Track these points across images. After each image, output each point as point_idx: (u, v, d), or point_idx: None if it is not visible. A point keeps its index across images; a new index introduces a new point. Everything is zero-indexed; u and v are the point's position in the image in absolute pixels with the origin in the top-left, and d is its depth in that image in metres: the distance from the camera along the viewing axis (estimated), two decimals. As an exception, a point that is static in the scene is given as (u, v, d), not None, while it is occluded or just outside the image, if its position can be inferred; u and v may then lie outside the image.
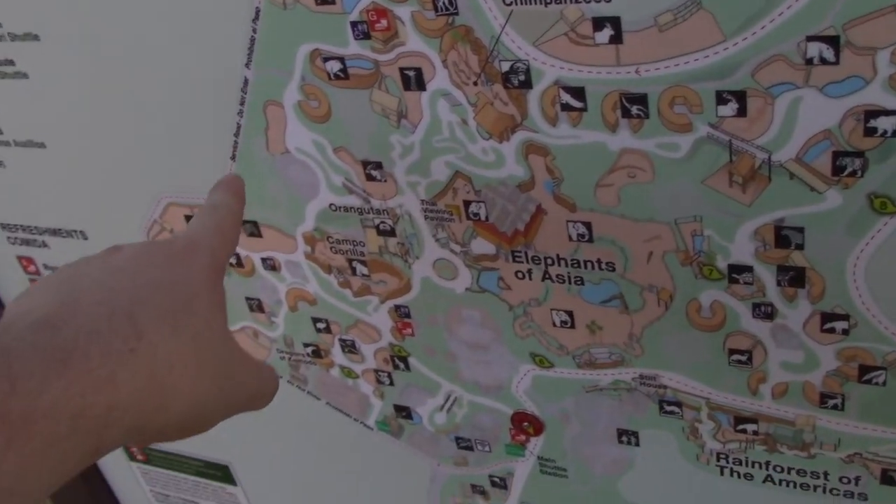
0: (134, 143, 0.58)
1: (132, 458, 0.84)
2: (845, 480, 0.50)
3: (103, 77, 0.56)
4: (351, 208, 0.54)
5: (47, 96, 0.59)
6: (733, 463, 0.53)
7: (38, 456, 0.28)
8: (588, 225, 0.47)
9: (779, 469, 0.52)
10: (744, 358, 0.48)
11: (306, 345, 0.63)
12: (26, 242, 0.70)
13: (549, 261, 0.50)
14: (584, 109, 0.43)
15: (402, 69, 0.46)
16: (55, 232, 0.68)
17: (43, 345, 0.29)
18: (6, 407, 0.27)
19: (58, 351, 0.29)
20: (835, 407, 0.48)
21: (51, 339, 0.30)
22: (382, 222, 0.53)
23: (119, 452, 0.84)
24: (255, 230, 0.58)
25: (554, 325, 0.52)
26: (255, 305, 0.63)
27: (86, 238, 0.67)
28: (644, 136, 0.43)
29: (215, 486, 0.81)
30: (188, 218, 0.60)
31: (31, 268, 0.72)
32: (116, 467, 0.86)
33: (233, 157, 0.55)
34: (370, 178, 0.52)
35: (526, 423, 0.58)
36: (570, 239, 0.48)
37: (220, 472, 0.79)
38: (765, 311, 0.46)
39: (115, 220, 0.64)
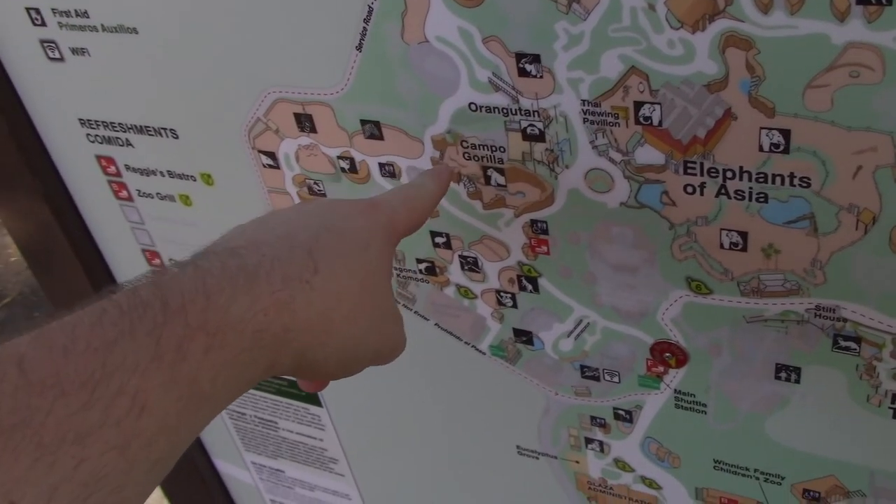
0: (240, 26, 0.52)
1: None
2: None
3: (213, -50, 0.49)
4: (495, 108, 0.47)
5: (144, -27, 0.52)
6: (911, 406, 0.48)
7: (227, 365, 0.31)
8: (786, 133, 0.41)
9: (966, 415, 0.47)
10: (951, 291, 0.42)
11: (420, 260, 0.58)
12: (108, 140, 0.64)
13: (729, 174, 0.44)
14: (810, -7, 0.37)
15: (582, -58, 0.40)
16: (142, 129, 0.62)
17: (231, 266, 0.33)
18: (204, 318, 0.31)
19: (244, 272, 0.33)
20: None
21: (238, 263, 0.34)
22: (531, 125, 0.47)
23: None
24: (375, 131, 0.52)
25: (721, 246, 0.47)
26: (366, 216, 0.57)
27: (176, 137, 0.61)
28: (881, 28, 0.36)
29: (297, 405, 0.77)
30: (298, 117, 0.54)
31: (111, 168, 0.66)
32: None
33: (359, 47, 0.49)
34: (523, 73, 0.45)
35: (668, 354, 0.53)
36: (761, 149, 0.42)
37: (305, 392, 0.74)
38: None
39: (211, 118, 0.58)
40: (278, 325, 0.33)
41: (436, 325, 0.61)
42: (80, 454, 0.26)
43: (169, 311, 0.30)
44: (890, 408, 0.48)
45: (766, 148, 0.42)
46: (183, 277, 0.32)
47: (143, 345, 0.29)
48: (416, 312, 0.61)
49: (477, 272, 0.56)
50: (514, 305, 0.57)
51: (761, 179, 0.43)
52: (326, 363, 0.37)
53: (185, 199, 0.65)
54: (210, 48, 0.54)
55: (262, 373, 0.34)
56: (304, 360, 0.35)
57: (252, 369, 0.33)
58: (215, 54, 0.54)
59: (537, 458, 0.66)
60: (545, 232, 0.52)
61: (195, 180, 0.63)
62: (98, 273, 0.75)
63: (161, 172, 0.64)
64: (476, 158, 0.50)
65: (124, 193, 0.68)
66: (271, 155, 0.58)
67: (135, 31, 0.56)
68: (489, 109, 0.48)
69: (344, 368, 0.39)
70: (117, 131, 0.63)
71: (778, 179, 0.43)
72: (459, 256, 0.56)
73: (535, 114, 0.46)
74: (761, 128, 0.41)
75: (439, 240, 0.56)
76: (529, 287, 0.55)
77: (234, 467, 0.90)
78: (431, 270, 0.58)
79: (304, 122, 0.54)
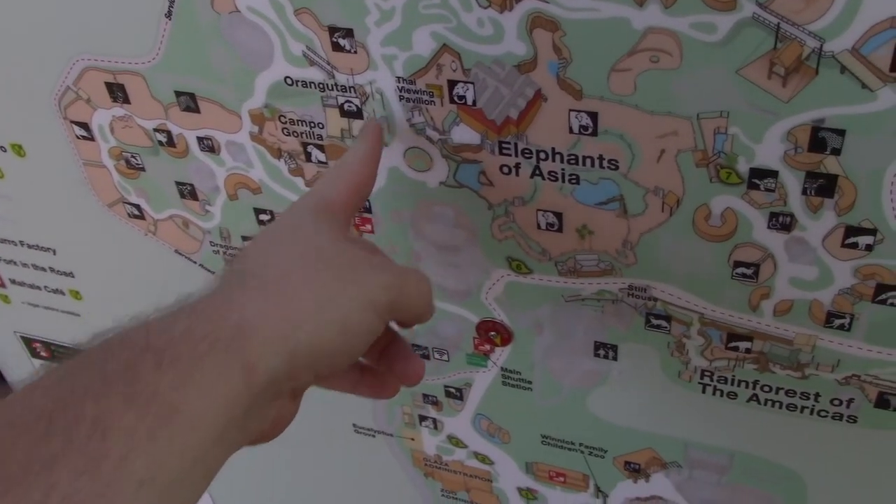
0: (43, -10, 0.48)
1: (34, 354, 0.75)
2: (837, 402, 0.47)
3: None
4: (311, 83, 0.46)
5: (-68, -75, 0.48)
6: (718, 381, 0.49)
7: (187, 374, 0.29)
8: (594, 116, 0.41)
9: (766, 389, 0.49)
10: (749, 272, 0.44)
11: (245, 238, 0.56)
12: None
13: (542, 155, 0.44)
14: (610, -23, 0.37)
15: (388, -86, 0.38)
16: (-57, 95, 0.57)
17: (167, 308, 0.33)
18: (146, 341, 0.30)
19: (182, 304, 0.33)
20: (841, 327, 0.44)
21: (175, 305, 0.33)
22: (348, 101, 0.46)
23: (19, 349, 0.75)
24: (191, 104, 0.50)
25: (539, 227, 0.47)
26: (187, 191, 0.55)
27: (-19, 104, 0.56)
28: (677, 14, 0.37)
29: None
30: (110, 87, 0.51)
31: (-87, 137, 0.61)
32: (17, 365, 0.78)
33: (168, 15, 0.46)
34: (337, 47, 0.44)
35: (493, 333, 0.53)
36: (571, 131, 0.42)
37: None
38: (782, 222, 0.41)
39: (18, 84, 0.54)
40: (229, 325, 0.31)
41: (266, 303, 0.60)
42: (49, 480, 0.26)
43: (111, 346, 0.30)
44: (699, 383, 0.50)
45: (575, 130, 0.42)
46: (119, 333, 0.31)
47: (90, 375, 0.28)
48: (245, 291, 0.59)
49: (303, 250, 0.55)
50: (343, 284, 0.56)
51: (572, 161, 0.43)
52: (317, 337, 0.33)
53: (-3, 171, 0.61)
54: (13, 9, 0.50)
55: (240, 377, 0.31)
56: (287, 348, 0.32)
57: (224, 376, 0.30)
58: (18, 16, 0.50)
59: (374, 436, 0.66)
60: (368, 210, 0.51)
61: (5, 151, 0.59)
62: None
63: (-32, 142, 0.60)
64: (295, 134, 0.49)
65: (-70, 164, 0.63)
66: (84, 126, 0.54)
67: (-73, -12, 0.51)
68: (305, 84, 0.46)
69: (342, 345, 0.34)
70: (-84, 97, 0.58)
71: (588, 161, 0.43)
72: (285, 234, 0.54)
73: (352, 90, 0.45)
74: (570, 110, 0.41)
75: (264, 217, 0.54)
76: (356, 266, 0.54)
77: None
78: (258, 248, 0.56)
79: (117, 92, 0.51)
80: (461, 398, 0.59)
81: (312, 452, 0.70)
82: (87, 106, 0.53)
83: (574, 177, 0.44)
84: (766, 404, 0.49)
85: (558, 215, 0.46)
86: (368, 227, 0.51)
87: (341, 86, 0.45)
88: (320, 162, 0.49)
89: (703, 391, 0.50)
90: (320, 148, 0.49)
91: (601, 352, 0.51)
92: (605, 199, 0.44)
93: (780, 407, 0.49)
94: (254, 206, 0.54)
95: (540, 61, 0.40)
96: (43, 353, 0.75)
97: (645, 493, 0.58)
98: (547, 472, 0.61)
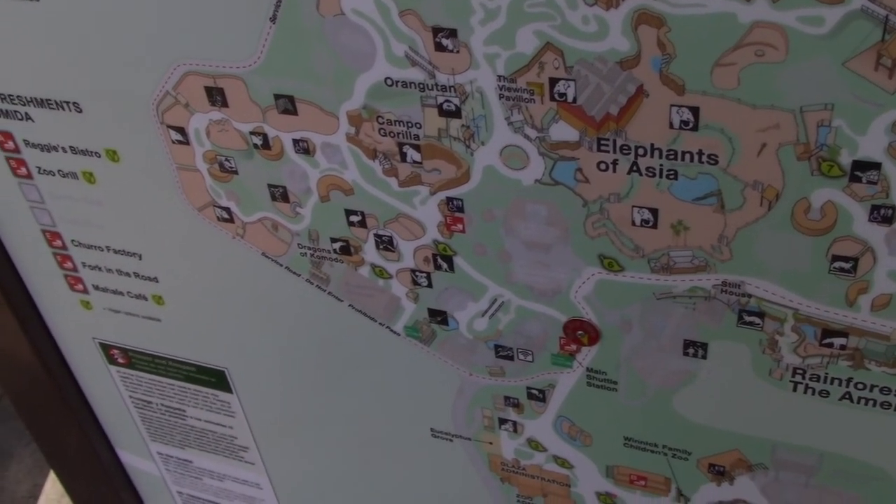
0: (149, -2, 0.50)
1: (112, 361, 0.77)
2: (932, 400, 0.47)
3: (120, -86, 0.47)
4: (411, 83, 0.47)
5: (46, -63, 0.50)
6: (810, 379, 0.50)
7: None
8: (695, 110, 0.42)
9: (860, 386, 0.49)
10: (848, 266, 0.44)
11: (334, 240, 0.57)
12: (5, 114, 0.61)
13: (641, 151, 0.45)
14: (719, -28, 0.38)
15: (500, -85, 0.40)
16: (42, 103, 0.59)
17: None
18: None
19: None
20: (940, 321, 0.44)
21: None
22: (447, 101, 0.47)
23: (96, 356, 0.77)
24: (289, 106, 0.51)
25: (633, 223, 0.48)
26: (279, 194, 0.56)
27: (80, 111, 0.58)
28: (784, 7, 0.37)
29: (206, 392, 0.75)
30: (209, 91, 0.53)
31: (9, 144, 0.63)
32: (92, 372, 0.79)
33: (273, 19, 0.48)
34: (440, 47, 0.45)
35: (580, 332, 0.54)
36: (671, 126, 0.43)
37: (214, 378, 0.73)
38: (884, 215, 0.42)
39: (117, 91, 0.56)
40: None
41: (350, 306, 0.61)
42: None
43: None
44: (791, 381, 0.50)
45: (675, 125, 0.43)
46: None
47: None
48: (329, 293, 0.61)
49: (392, 251, 0.56)
50: (430, 285, 0.57)
51: (671, 156, 0.44)
52: None
53: (89, 177, 0.63)
54: (116, 19, 0.52)
55: None
56: None
57: None
58: (122, 25, 0.52)
59: (451, 441, 0.66)
60: (461, 210, 0.52)
61: (100, 157, 0.61)
62: (-5, 255, 0.71)
63: (63, 148, 0.62)
64: (392, 135, 0.50)
65: (23, 171, 0.65)
66: (181, 130, 0.56)
67: (36, -2, 0.53)
68: (405, 84, 0.47)
69: None
70: (16, 104, 0.60)
71: (687, 156, 0.44)
72: (374, 235, 0.56)
73: (452, 89, 0.46)
74: (671, 105, 0.42)
75: (354, 218, 0.55)
76: (444, 266, 0.55)
77: (139, 458, 0.87)
78: (346, 250, 0.57)
79: (216, 96, 0.53)
80: (544, 400, 0.59)
81: (388, 456, 0.71)
82: (185, 111, 0.55)
83: (672, 172, 0.45)
84: (859, 402, 0.49)
85: (654, 211, 0.47)
86: (460, 226, 0.52)
87: (441, 85, 0.47)
88: (415, 162, 0.50)
89: (795, 389, 0.50)
90: (416, 148, 0.50)
91: (690, 350, 0.52)
92: (703, 194, 0.45)
93: (874, 405, 0.49)
94: (345, 207, 0.55)
95: (643, 57, 0.41)
96: (120, 360, 0.76)
97: (728, 496, 0.58)
98: (628, 475, 0.61)
